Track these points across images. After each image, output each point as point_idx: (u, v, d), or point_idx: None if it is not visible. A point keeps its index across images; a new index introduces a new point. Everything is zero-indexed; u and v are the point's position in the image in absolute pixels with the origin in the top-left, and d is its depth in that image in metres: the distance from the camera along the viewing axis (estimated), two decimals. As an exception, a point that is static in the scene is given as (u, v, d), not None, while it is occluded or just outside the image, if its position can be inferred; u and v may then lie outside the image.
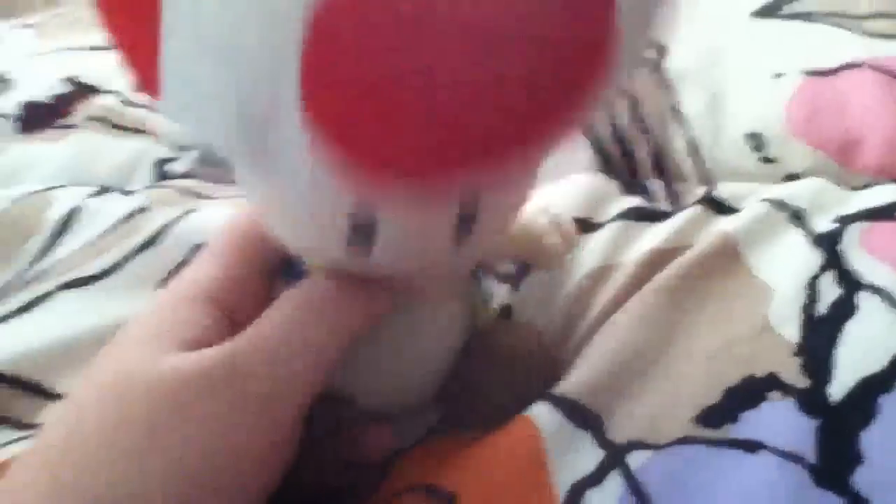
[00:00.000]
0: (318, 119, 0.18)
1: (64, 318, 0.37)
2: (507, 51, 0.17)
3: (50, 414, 0.25)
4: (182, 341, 0.25)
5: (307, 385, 0.25)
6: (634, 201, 0.40)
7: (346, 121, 0.18)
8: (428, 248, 0.24)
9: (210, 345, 0.25)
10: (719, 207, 0.38)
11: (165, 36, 0.19)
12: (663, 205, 0.40)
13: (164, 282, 0.39)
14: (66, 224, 0.42)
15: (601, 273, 0.36)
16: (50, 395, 0.34)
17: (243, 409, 0.24)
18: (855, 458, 0.26)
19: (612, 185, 0.41)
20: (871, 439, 0.26)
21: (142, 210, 0.42)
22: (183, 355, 0.24)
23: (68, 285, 0.39)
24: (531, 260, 0.35)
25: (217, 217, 0.41)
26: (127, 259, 0.40)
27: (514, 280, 0.36)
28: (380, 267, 0.24)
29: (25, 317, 0.37)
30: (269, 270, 0.28)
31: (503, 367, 0.31)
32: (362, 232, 0.23)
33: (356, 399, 0.29)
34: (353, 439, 0.29)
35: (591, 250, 0.37)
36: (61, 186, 0.46)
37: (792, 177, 0.41)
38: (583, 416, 0.28)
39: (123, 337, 0.26)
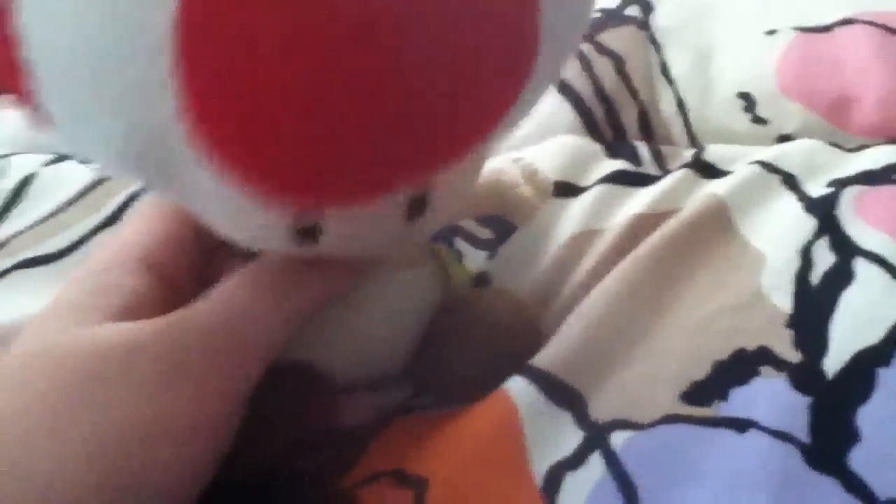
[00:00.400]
0: (208, 140, 0.16)
1: (21, 301, 0.35)
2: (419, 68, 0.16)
3: None
4: (109, 309, 0.23)
5: (251, 363, 0.23)
6: (619, 164, 0.38)
7: (236, 140, 0.16)
8: (378, 234, 0.23)
9: (142, 312, 0.23)
10: (708, 170, 0.37)
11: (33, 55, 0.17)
12: (650, 168, 0.38)
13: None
14: (18, 192, 0.40)
15: (584, 239, 0.34)
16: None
17: (174, 385, 0.22)
18: (851, 436, 0.25)
19: (596, 148, 0.39)
20: (869, 415, 0.25)
21: (100, 182, 0.40)
22: (109, 326, 0.22)
23: (26, 264, 0.37)
24: (502, 213, 0.33)
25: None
26: (85, 239, 0.38)
27: (492, 246, 0.35)
28: (330, 255, 0.23)
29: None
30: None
31: (481, 337, 0.29)
32: (306, 232, 0.21)
33: (323, 370, 0.27)
34: (324, 408, 0.27)
35: (574, 215, 0.35)
36: (16, 154, 0.44)
37: (784, 138, 0.39)
38: (563, 393, 0.27)
39: (48, 308, 0.24)
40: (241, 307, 0.23)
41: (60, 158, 0.43)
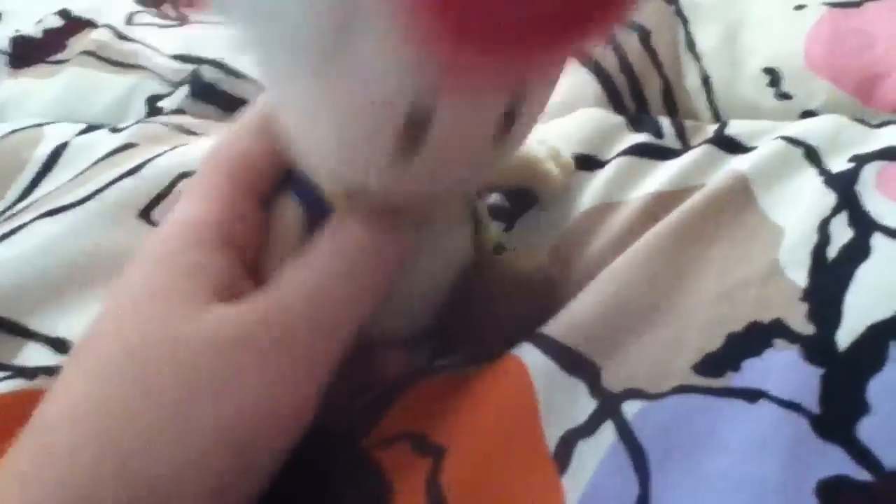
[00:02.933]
0: None
1: (40, 248, 0.36)
2: None
3: (71, 376, 0.24)
4: (206, 291, 0.24)
5: (347, 335, 0.25)
6: (641, 137, 0.38)
7: None
8: (472, 149, 0.23)
9: (238, 292, 0.24)
10: (731, 146, 0.37)
11: None
12: (672, 142, 0.38)
13: (145, 210, 0.37)
14: (51, 161, 0.41)
15: (603, 210, 0.34)
16: (29, 334, 0.33)
17: (288, 363, 0.23)
18: (860, 407, 0.25)
19: (619, 121, 0.39)
20: (879, 387, 0.25)
21: (128, 146, 0.41)
22: (222, 308, 0.23)
23: (45, 214, 0.37)
24: (530, 185, 0.34)
25: (203, 150, 0.40)
26: (108, 187, 0.38)
27: (509, 218, 0.35)
28: (416, 181, 0.23)
29: (1, 247, 0.36)
30: (263, 198, 0.27)
31: (505, 294, 0.30)
32: (412, 133, 0.21)
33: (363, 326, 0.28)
34: (369, 363, 0.28)
35: (594, 188, 0.35)
36: (52, 123, 0.45)
37: (808, 113, 0.39)
38: (577, 363, 0.27)
39: (135, 289, 0.25)
40: (324, 293, 0.24)
41: (92, 128, 0.44)
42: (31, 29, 0.54)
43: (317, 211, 0.27)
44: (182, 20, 0.56)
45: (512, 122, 0.23)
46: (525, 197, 0.35)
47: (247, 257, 0.26)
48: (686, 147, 0.37)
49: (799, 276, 0.29)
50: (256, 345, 0.23)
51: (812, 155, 0.35)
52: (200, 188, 0.27)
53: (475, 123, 0.22)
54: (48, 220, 0.37)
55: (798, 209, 0.32)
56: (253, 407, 0.23)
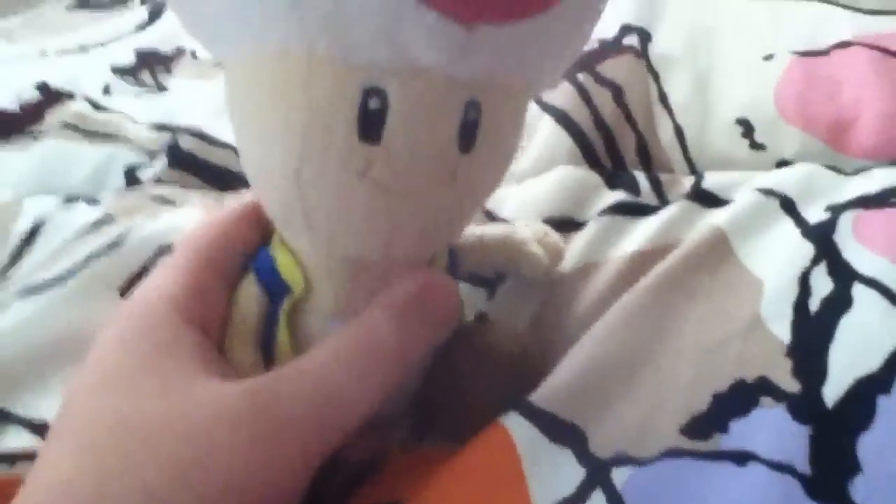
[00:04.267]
0: None
1: (18, 328, 0.35)
2: None
3: (56, 453, 0.23)
4: (197, 367, 0.24)
5: (333, 436, 0.24)
6: (619, 195, 0.38)
7: None
8: (433, 149, 0.22)
9: (218, 369, 0.24)
10: (708, 200, 0.37)
11: None
12: (649, 197, 0.38)
13: (127, 285, 0.37)
14: (30, 237, 0.41)
15: (584, 271, 0.34)
16: (9, 418, 0.32)
17: (284, 448, 0.23)
18: (852, 466, 0.24)
19: (595, 179, 0.40)
20: (870, 444, 0.25)
21: (105, 220, 0.41)
22: (217, 385, 0.23)
23: (24, 293, 0.37)
24: (511, 267, 0.33)
25: (182, 221, 0.39)
26: (86, 262, 0.38)
27: (490, 286, 0.35)
28: (383, 184, 0.22)
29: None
30: (230, 277, 0.27)
31: (480, 372, 0.29)
32: (371, 122, 0.21)
33: None
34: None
35: (574, 249, 0.35)
36: (30, 197, 0.45)
37: (783, 163, 0.39)
38: (563, 430, 0.27)
39: (116, 362, 0.24)
40: (332, 386, 0.24)
41: (71, 200, 0.44)
42: (9, 102, 0.54)
43: (276, 292, 0.26)
44: (160, 88, 0.56)
45: (474, 134, 0.23)
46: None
47: (210, 330, 0.26)
48: (663, 202, 0.38)
49: (782, 330, 0.29)
50: (252, 425, 0.23)
51: (788, 206, 0.35)
52: (172, 267, 0.27)
53: (431, 120, 0.22)
54: (26, 299, 0.36)
55: (777, 261, 0.32)
56: (247, 485, 0.22)
